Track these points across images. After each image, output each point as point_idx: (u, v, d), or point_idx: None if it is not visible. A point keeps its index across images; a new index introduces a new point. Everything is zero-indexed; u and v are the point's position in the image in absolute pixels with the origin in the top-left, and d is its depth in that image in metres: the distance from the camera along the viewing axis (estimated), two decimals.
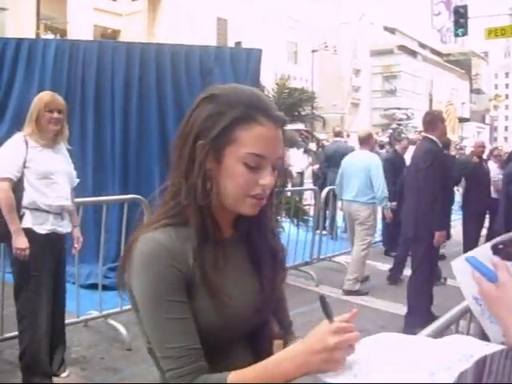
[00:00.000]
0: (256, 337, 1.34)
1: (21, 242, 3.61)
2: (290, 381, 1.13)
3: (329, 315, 1.12)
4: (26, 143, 3.69)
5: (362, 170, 6.75)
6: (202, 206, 1.25)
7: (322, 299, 1.15)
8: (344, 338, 1.08)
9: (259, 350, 1.29)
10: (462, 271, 1.16)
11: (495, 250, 1.12)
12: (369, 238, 6.87)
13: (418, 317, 5.16)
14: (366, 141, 7.06)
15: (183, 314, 1.20)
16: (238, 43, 31.51)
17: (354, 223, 6.93)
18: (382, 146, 14.19)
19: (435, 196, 5.16)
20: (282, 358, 1.14)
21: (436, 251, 5.58)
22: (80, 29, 29.44)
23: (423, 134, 5.64)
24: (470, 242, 8.98)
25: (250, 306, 1.30)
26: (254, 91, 1.29)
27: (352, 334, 1.09)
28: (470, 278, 1.13)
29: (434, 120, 5.42)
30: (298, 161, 12.16)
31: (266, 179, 1.25)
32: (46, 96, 3.85)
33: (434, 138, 5.35)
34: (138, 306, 1.24)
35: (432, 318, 4.66)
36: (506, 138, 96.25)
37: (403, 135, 9.62)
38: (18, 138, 3.73)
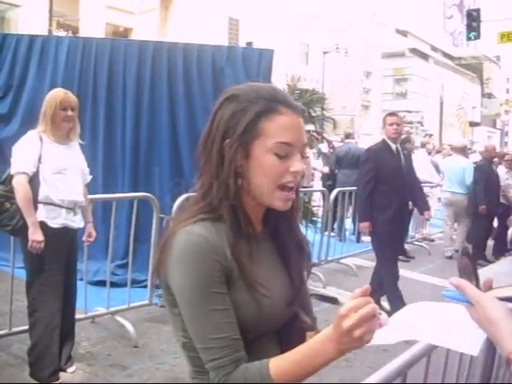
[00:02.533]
0: (286, 331, 1.36)
1: (38, 235, 3.67)
2: (324, 362, 1.15)
3: (330, 299, 1.15)
4: (41, 139, 3.77)
5: (460, 170, 9.24)
6: (235, 203, 1.29)
7: (320, 296, 1.19)
8: (356, 317, 1.07)
9: (288, 345, 1.29)
10: None
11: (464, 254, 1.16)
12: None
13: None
14: (462, 150, 9.72)
15: (226, 305, 1.23)
16: (250, 43, 31.51)
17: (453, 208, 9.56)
18: None
19: (364, 190, 5.80)
20: (316, 340, 1.16)
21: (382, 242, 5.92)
22: (92, 26, 29.50)
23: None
24: (477, 247, 8.99)
25: (283, 299, 1.34)
26: (270, 85, 1.35)
27: (365, 308, 1.08)
28: None
29: (383, 121, 6.04)
30: (310, 162, 12.17)
31: (297, 166, 1.28)
32: (59, 94, 3.90)
33: (385, 138, 5.92)
34: (177, 298, 1.25)
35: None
36: None
37: (407, 144, 9.51)
38: (32, 134, 3.82)
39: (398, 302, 5.64)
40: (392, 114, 6.21)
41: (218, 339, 1.20)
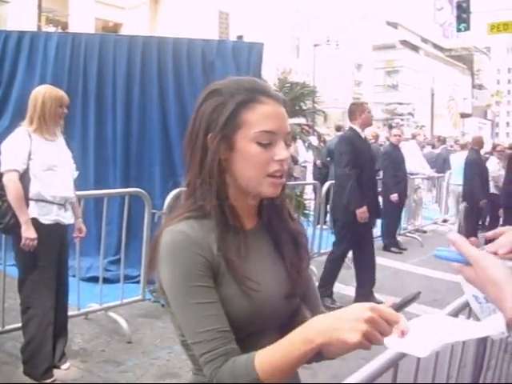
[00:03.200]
0: (288, 327, 1.32)
1: (31, 232, 3.66)
2: (312, 349, 1.11)
3: (399, 307, 1.13)
4: (30, 136, 3.75)
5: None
6: (221, 199, 1.30)
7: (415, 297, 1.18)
8: (379, 318, 1.06)
9: None
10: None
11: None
12: None
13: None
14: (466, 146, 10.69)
15: (211, 298, 1.23)
16: (240, 37, 31.42)
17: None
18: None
19: (349, 178, 5.80)
20: (306, 324, 1.14)
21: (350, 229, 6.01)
22: (82, 22, 29.33)
23: (349, 124, 6.22)
24: (467, 236, 9.09)
25: (280, 292, 1.33)
26: (251, 78, 1.36)
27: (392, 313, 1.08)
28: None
29: (354, 111, 6.05)
30: (301, 155, 12.16)
31: (282, 154, 1.29)
32: (56, 91, 3.92)
33: (355, 127, 6.01)
34: (167, 295, 1.27)
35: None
36: (507, 134, 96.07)
37: (395, 129, 9.60)
38: (21, 131, 3.79)
39: (329, 289, 6.04)
40: (365, 103, 6.51)
41: (206, 332, 1.20)
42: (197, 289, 1.22)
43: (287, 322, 1.35)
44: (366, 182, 5.92)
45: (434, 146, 17.71)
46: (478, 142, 9.88)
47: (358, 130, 6.03)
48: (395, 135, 9.23)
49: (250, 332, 1.28)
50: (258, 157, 1.27)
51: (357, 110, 6.06)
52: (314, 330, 1.11)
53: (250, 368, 1.15)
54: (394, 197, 8.85)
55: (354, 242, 6.09)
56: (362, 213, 5.83)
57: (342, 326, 1.07)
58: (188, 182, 1.34)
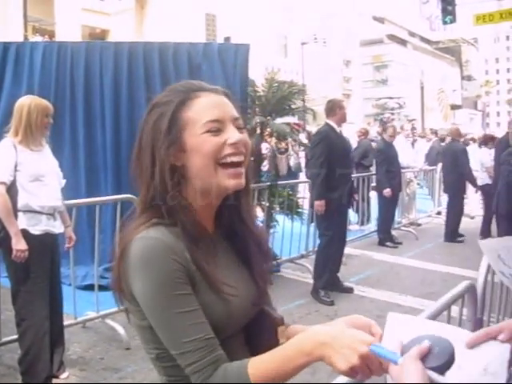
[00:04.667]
0: (254, 328, 1.34)
1: (22, 244, 3.65)
2: (309, 362, 1.13)
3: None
4: (15, 147, 3.73)
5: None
6: (185, 205, 1.26)
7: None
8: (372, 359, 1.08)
9: (259, 342, 1.30)
10: (489, 249, 1.37)
11: None
12: None
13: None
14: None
15: (193, 305, 1.19)
16: (228, 38, 31.41)
17: None
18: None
19: (319, 171, 5.99)
20: (303, 336, 1.15)
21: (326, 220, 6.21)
22: (68, 29, 29.30)
23: (325, 119, 6.36)
24: (452, 224, 9.41)
25: (248, 298, 1.31)
26: (185, 81, 1.36)
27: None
28: (495, 255, 1.33)
29: (333, 107, 6.21)
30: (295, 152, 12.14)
31: (234, 136, 1.26)
32: (41, 101, 3.90)
33: (331, 123, 6.18)
34: (143, 308, 1.22)
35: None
36: (498, 124, 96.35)
37: (389, 125, 9.71)
38: (6, 142, 3.77)
39: (322, 279, 6.14)
40: (342, 100, 6.77)
41: (191, 342, 1.17)
42: (177, 297, 1.18)
43: (250, 326, 1.34)
44: (339, 176, 6.05)
45: (429, 140, 17.76)
46: (458, 133, 10.27)
47: (334, 125, 6.18)
48: (391, 136, 9.25)
49: (225, 337, 1.25)
50: (208, 142, 1.25)
51: (335, 106, 6.23)
52: (311, 343, 1.12)
53: (244, 377, 1.14)
54: (387, 192, 8.87)
55: (333, 232, 6.24)
56: (318, 205, 6.03)
57: (336, 350, 1.09)
58: (143, 195, 1.30)
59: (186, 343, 1.17)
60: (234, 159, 1.26)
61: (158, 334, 1.21)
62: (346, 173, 6.30)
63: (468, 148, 10.91)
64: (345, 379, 1.65)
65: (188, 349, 1.17)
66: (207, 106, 1.27)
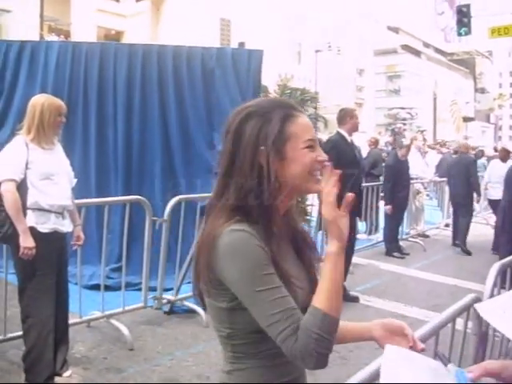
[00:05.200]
0: None
1: (30, 242, 3.67)
2: (339, 254, 1.42)
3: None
4: (27, 145, 3.76)
5: None
6: (268, 206, 1.45)
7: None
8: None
9: None
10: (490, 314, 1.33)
11: None
12: None
13: None
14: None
15: (278, 282, 1.38)
16: (242, 43, 31.49)
17: None
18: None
19: None
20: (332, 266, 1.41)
21: None
22: (83, 30, 29.47)
23: (337, 128, 6.39)
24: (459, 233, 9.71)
25: (307, 289, 1.50)
26: (277, 97, 1.75)
27: None
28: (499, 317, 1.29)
29: (344, 116, 6.29)
30: None
31: (322, 155, 1.50)
32: (54, 100, 3.93)
33: (342, 132, 6.24)
34: (234, 289, 1.39)
35: None
36: (510, 137, 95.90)
37: (403, 141, 9.70)
38: (18, 140, 3.80)
39: None
40: (354, 109, 6.72)
41: (281, 312, 1.34)
42: (266, 276, 1.36)
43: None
44: (347, 184, 6.01)
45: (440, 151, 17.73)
46: (466, 147, 10.72)
47: (345, 134, 6.23)
48: (402, 155, 9.20)
49: None
50: (308, 157, 1.46)
51: (346, 115, 6.28)
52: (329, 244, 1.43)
53: (313, 311, 1.34)
54: (389, 209, 8.91)
55: None
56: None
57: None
58: (233, 192, 1.46)
59: (276, 314, 1.34)
60: (317, 173, 1.49)
61: (249, 310, 1.38)
62: (355, 182, 6.28)
63: (492, 162, 11.08)
64: (358, 379, 1.68)
65: (278, 318, 1.34)
66: (306, 125, 1.50)
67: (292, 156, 1.45)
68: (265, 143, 1.44)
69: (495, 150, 12.54)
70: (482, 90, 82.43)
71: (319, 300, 1.35)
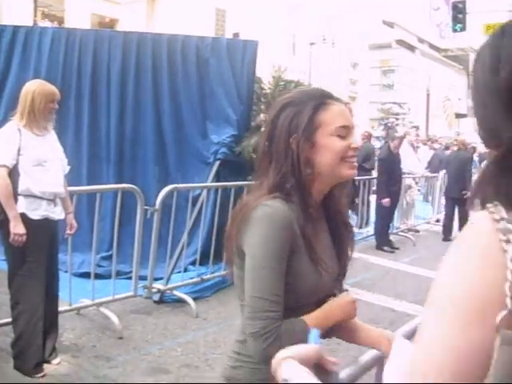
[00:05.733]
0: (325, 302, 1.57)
1: (20, 228, 3.66)
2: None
3: None
4: (20, 131, 3.74)
5: None
6: (303, 189, 1.53)
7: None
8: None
9: None
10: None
11: None
12: None
13: None
14: None
15: (284, 271, 1.45)
16: (236, 34, 31.39)
17: None
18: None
19: None
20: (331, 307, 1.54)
21: None
22: (77, 17, 29.21)
23: None
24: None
25: (333, 275, 1.60)
26: (314, 87, 1.70)
27: None
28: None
29: None
30: None
31: (356, 142, 1.59)
32: (46, 86, 3.90)
33: None
34: (248, 256, 1.46)
35: None
36: None
37: (396, 134, 9.79)
38: (11, 126, 3.78)
39: None
40: (348, 103, 6.64)
41: (278, 296, 1.43)
42: (281, 260, 1.44)
43: (325, 298, 1.59)
44: None
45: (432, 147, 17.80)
46: (463, 143, 11.05)
47: None
48: (395, 147, 9.23)
49: (303, 304, 1.51)
50: (338, 145, 1.53)
51: None
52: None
53: (302, 322, 1.46)
54: (386, 202, 8.93)
55: None
56: None
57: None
58: (272, 178, 1.54)
59: (274, 295, 1.43)
60: (352, 159, 1.57)
61: (251, 278, 1.46)
62: None
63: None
64: (347, 373, 1.74)
65: (274, 299, 1.43)
66: (338, 113, 1.56)
67: (322, 143, 1.53)
68: (296, 131, 1.52)
69: None
70: None
71: (308, 317, 1.48)
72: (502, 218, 0.74)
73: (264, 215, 1.46)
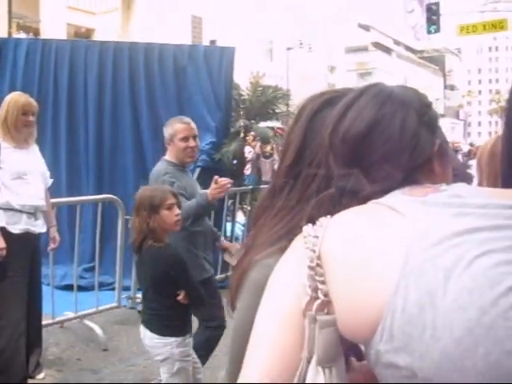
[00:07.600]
0: None
1: (0, 242, 3.60)
2: None
3: None
4: None
5: None
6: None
7: None
8: None
9: None
10: None
11: None
12: None
13: None
14: None
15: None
16: (213, 41, 31.44)
17: None
18: None
19: None
20: None
21: None
22: (53, 28, 29.04)
23: None
24: None
25: None
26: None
27: None
28: None
29: None
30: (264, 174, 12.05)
31: None
32: (21, 98, 3.86)
33: None
34: (235, 319, 1.24)
35: None
36: (479, 133, 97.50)
37: None
38: None
39: None
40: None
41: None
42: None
43: None
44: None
45: None
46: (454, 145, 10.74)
47: None
48: None
49: None
50: None
51: None
52: None
53: None
54: None
55: None
56: None
57: None
58: (284, 205, 1.22)
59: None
60: None
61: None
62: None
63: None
64: None
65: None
66: None
67: None
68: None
69: (471, 145, 12.78)
70: (452, 87, 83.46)
71: None
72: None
73: (252, 280, 1.16)
